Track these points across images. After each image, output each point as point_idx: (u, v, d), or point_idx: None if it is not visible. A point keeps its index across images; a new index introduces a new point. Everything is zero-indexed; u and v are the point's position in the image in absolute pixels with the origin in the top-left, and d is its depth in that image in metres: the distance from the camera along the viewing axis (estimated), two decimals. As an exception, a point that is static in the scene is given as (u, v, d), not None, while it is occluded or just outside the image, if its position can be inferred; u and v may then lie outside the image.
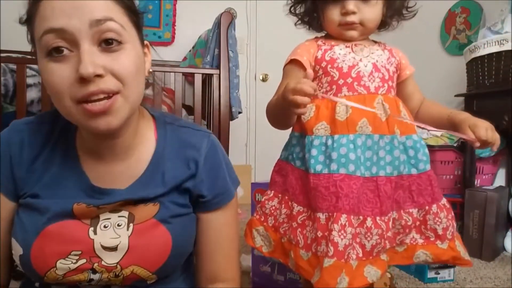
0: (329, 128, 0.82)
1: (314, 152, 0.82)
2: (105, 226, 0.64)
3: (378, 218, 0.81)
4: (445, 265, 1.48)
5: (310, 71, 0.83)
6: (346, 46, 0.88)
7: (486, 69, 1.84)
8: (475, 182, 1.99)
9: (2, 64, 1.75)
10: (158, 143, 0.71)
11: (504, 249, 1.85)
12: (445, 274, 1.50)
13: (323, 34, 0.95)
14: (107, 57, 0.57)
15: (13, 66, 1.79)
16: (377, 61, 0.87)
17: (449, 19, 2.58)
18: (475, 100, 1.99)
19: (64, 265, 0.61)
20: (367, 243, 0.80)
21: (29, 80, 1.81)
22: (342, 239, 0.77)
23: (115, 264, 0.63)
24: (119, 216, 0.66)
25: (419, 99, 0.97)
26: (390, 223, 0.84)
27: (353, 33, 0.87)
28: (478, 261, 1.73)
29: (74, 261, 0.61)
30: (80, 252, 0.61)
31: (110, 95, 0.57)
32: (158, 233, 0.66)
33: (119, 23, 0.58)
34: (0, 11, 2.26)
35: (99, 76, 0.55)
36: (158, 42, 2.93)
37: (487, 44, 1.81)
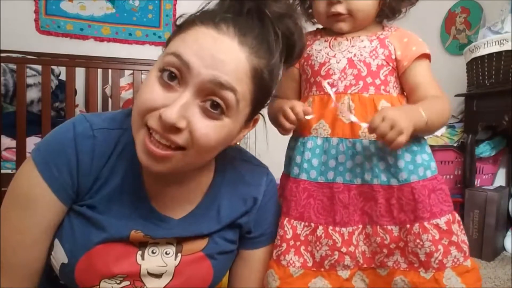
0: (298, 130, 0.81)
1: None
2: (153, 252, 0.64)
3: (330, 227, 0.75)
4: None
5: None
6: (325, 41, 0.82)
7: (486, 69, 1.84)
8: (475, 182, 1.98)
9: (2, 64, 1.75)
10: (217, 176, 0.68)
11: (504, 249, 1.85)
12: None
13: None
14: (200, 117, 0.53)
15: (13, 66, 1.79)
16: (354, 55, 0.77)
17: (449, 19, 2.57)
18: (475, 100, 1.99)
19: (108, 284, 0.61)
20: (316, 253, 0.75)
21: (29, 80, 1.81)
22: (280, 244, 0.75)
23: None
24: (167, 243, 0.65)
25: (422, 95, 0.77)
26: (361, 237, 0.76)
27: (342, 25, 0.79)
28: (478, 261, 1.73)
29: (118, 282, 0.61)
30: (125, 276, 0.61)
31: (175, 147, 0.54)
32: (203, 267, 0.66)
33: (237, 98, 0.54)
34: (0, 11, 2.26)
35: (177, 129, 0.52)
36: (158, 42, 2.92)
37: (487, 44, 1.81)
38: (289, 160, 0.83)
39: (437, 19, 2.61)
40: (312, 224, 0.75)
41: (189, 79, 0.52)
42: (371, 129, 0.66)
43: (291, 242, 0.76)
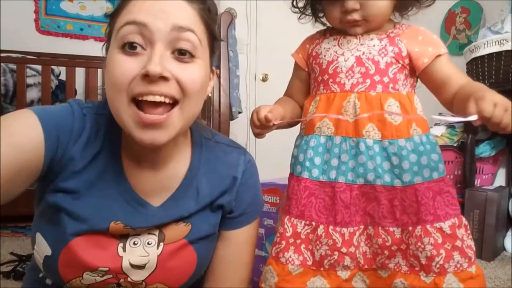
0: (303, 129, 0.82)
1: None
2: (134, 243, 0.64)
3: (331, 227, 0.74)
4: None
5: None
6: (334, 39, 0.81)
7: (486, 69, 1.84)
8: (475, 182, 1.98)
9: (2, 64, 1.75)
10: (194, 159, 0.69)
11: (504, 249, 1.85)
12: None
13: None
14: (177, 65, 0.56)
15: (13, 66, 1.79)
16: (363, 53, 0.76)
17: (449, 19, 2.57)
18: (475, 100, 1.98)
19: (90, 276, 0.61)
20: (316, 252, 0.75)
21: (29, 80, 1.82)
22: (279, 242, 0.76)
23: (141, 281, 0.63)
24: (149, 233, 0.65)
25: (455, 84, 0.73)
26: (362, 238, 0.75)
27: (358, 30, 0.78)
28: (478, 261, 1.73)
29: (101, 275, 0.61)
30: (107, 269, 0.61)
31: (170, 102, 0.56)
32: (186, 253, 0.66)
33: (198, 37, 0.59)
34: (0, 11, 2.26)
35: (164, 78, 0.54)
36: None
37: (487, 44, 1.81)
38: (294, 159, 0.83)
39: (437, 19, 2.61)
40: (313, 223, 0.75)
41: (152, 38, 0.55)
42: (484, 119, 0.59)
43: (291, 240, 0.76)
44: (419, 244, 0.70)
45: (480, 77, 1.88)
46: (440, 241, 0.70)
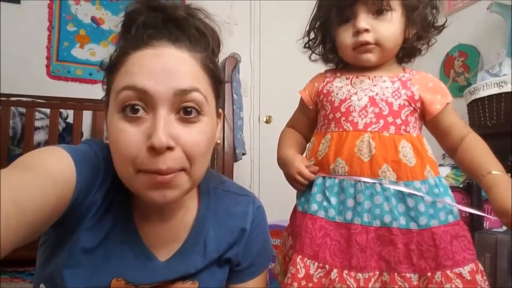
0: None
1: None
2: None
3: (345, 272, 0.71)
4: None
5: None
6: (347, 78, 0.82)
7: (487, 110, 1.86)
8: (484, 224, 1.94)
9: (11, 107, 1.79)
10: (201, 209, 0.67)
11: (519, 295, 1.77)
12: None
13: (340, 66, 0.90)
14: (182, 128, 0.54)
15: (23, 110, 1.83)
16: (376, 94, 0.77)
17: (448, 62, 2.64)
18: (479, 141, 1.98)
19: None
20: None
21: (37, 123, 1.85)
22: (290, 283, 0.72)
23: None
24: None
25: (458, 134, 0.79)
26: (377, 285, 0.71)
27: (370, 56, 0.78)
28: (493, 308, 1.65)
29: None
30: None
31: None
32: None
33: (203, 94, 0.56)
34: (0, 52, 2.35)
35: (169, 148, 0.52)
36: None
37: (486, 86, 1.84)
38: (306, 196, 0.81)
39: (435, 62, 2.67)
40: (327, 266, 0.72)
41: (154, 102, 0.52)
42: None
43: (303, 282, 0.72)
44: None
45: (482, 118, 1.90)
46: (461, 287, 0.67)
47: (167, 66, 0.53)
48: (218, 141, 0.68)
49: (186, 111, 0.54)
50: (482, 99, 1.87)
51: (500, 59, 1.94)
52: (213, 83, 0.60)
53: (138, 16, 0.58)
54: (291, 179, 0.82)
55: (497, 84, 1.80)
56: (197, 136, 0.55)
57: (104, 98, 0.60)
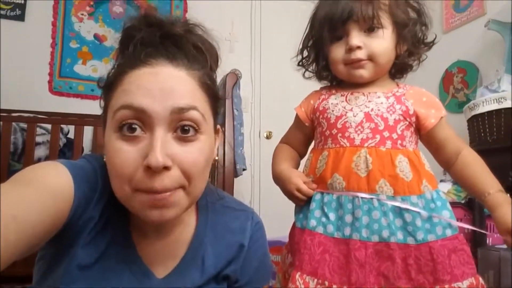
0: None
1: None
2: None
3: None
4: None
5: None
6: (342, 95, 0.83)
7: (487, 126, 1.87)
8: (487, 241, 1.92)
9: (12, 123, 1.80)
10: (199, 224, 0.66)
11: (524, 313, 1.74)
12: None
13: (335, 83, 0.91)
14: (180, 147, 0.53)
15: (24, 125, 1.83)
16: (372, 109, 0.78)
17: (447, 78, 2.66)
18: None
19: None
20: None
21: (38, 139, 1.85)
22: None
23: None
24: None
25: (453, 148, 0.80)
26: None
27: (362, 72, 0.79)
28: (498, 327, 1.62)
29: None
30: None
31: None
32: None
33: (201, 112, 0.55)
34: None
35: (166, 168, 0.51)
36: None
37: (486, 102, 1.85)
38: (304, 212, 0.81)
39: (435, 78, 2.70)
40: (326, 282, 0.71)
41: (151, 121, 0.52)
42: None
43: None
44: None
45: (482, 134, 1.90)
46: None
47: (164, 85, 0.53)
48: (217, 157, 0.67)
49: (183, 130, 0.54)
50: (482, 114, 1.88)
51: (499, 76, 1.95)
52: (211, 100, 0.60)
53: (136, 33, 0.59)
54: (289, 195, 0.83)
55: (496, 100, 1.81)
56: (195, 154, 0.55)
57: (102, 115, 0.60)
